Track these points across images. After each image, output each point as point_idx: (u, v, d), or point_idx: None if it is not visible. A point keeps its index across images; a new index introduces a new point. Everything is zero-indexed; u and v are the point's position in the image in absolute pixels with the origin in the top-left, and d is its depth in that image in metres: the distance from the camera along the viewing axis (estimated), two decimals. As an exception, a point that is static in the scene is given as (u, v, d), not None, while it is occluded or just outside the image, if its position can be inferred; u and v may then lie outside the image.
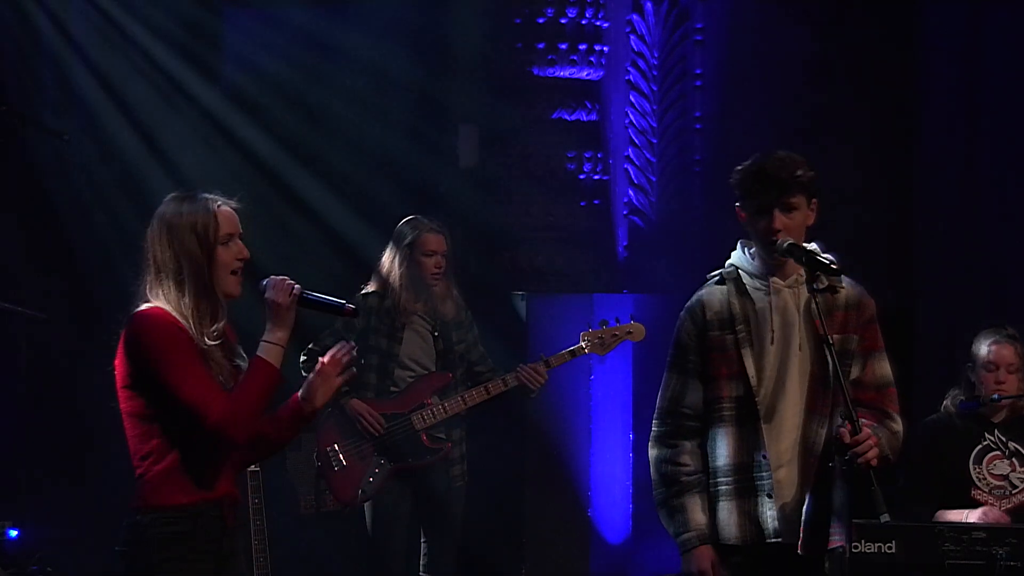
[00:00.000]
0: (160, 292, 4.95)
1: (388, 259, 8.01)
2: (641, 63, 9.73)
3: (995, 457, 7.50)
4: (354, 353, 5.16)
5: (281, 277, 5.00)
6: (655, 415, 5.64)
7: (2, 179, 9.22)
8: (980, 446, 7.53)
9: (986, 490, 7.42)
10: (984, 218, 9.64)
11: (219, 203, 5.02)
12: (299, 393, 5.08)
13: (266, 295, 5.00)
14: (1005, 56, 9.70)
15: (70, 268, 8.86)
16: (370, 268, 8.14)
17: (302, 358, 7.66)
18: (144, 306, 4.93)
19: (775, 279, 5.49)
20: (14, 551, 8.17)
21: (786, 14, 9.43)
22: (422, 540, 8.14)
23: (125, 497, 4.98)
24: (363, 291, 8.03)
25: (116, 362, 4.95)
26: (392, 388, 7.96)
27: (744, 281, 5.58)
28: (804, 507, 5.50)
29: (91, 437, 8.31)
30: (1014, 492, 7.39)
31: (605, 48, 9.64)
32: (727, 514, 5.51)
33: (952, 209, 9.64)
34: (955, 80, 9.94)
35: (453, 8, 9.71)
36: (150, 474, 4.91)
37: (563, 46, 9.48)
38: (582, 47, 9.46)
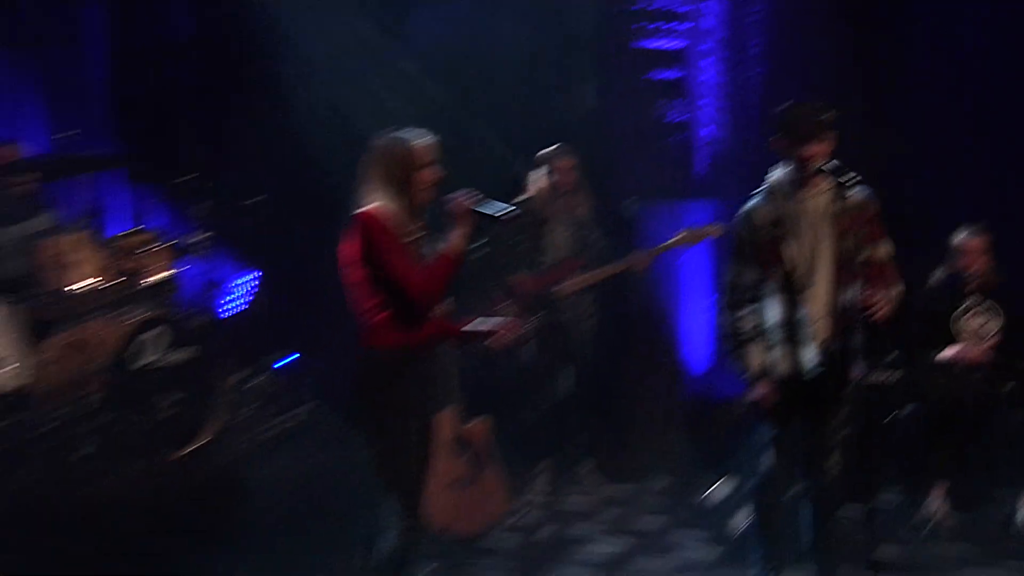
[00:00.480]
0: (377, 199, 5.23)
1: (535, 177, 8.18)
2: (713, 36, 9.76)
3: (974, 314, 7.64)
4: (477, 198, 5.28)
5: (461, 193, 5.29)
6: (723, 291, 5.85)
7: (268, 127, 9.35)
8: (962, 307, 7.66)
9: (965, 336, 7.59)
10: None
11: (420, 138, 5.29)
12: (442, 248, 5.25)
13: (450, 206, 5.26)
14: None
15: (317, 179, 8.92)
16: (521, 187, 8.27)
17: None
18: (366, 208, 5.21)
19: (805, 190, 5.67)
20: (291, 374, 8.52)
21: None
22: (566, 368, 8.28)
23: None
24: (518, 200, 8.08)
25: (343, 246, 5.24)
26: (541, 268, 8.12)
27: (781, 193, 5.73)
28: (833, 349, 5.66)
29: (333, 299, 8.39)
30: (986, 340, 7.57)
31: (687, 25, 9.71)
32: (778, 357, 5.69)
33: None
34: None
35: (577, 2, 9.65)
36: (372, 323, 5.25)
37: (655, 25, 9.58)
38: (670, 25, 9.58)
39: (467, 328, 5.52)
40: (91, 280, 7.37)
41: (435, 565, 6.33)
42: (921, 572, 6.70)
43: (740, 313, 5.76)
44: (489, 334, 5.52)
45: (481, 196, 5.31)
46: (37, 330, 7.40)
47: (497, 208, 5.30)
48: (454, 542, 6.81)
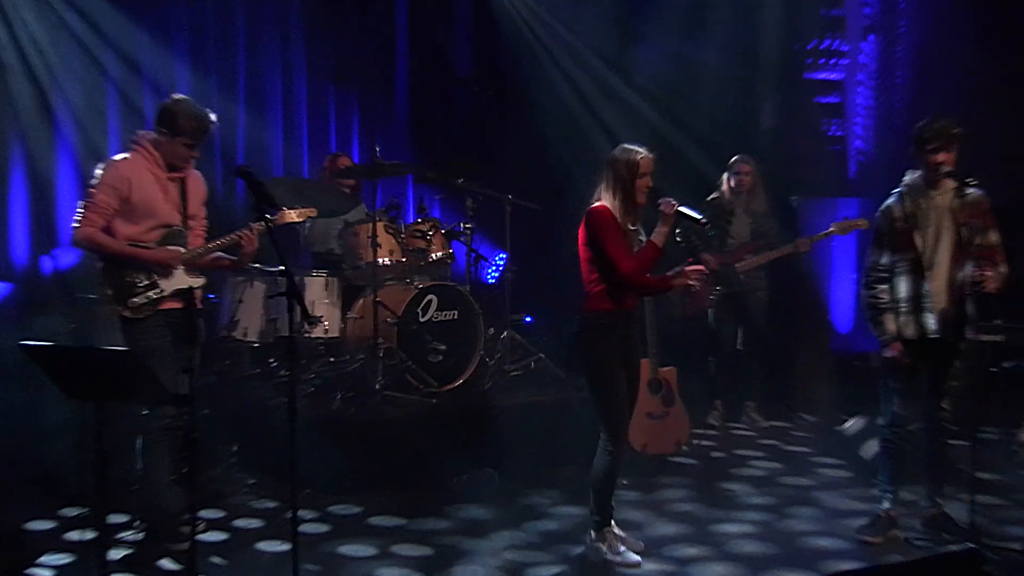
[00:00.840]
0: (605, 197, 5.29)
1: (723, 179, 8.13)
2: (866, 70, 9.46)
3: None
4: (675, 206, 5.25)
5: (668, 198, 5.28)
6: (865, 271, 5.80)
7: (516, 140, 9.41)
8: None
9: None
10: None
11: (643, 153, 5.30)
12: (651, 238, 5.27)
13: (660, 207, 5.26)
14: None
15: (554, 182, 8.93)
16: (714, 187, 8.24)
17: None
18: (596, 204, 5.29)
19: (933, 191, 5.60)
20: (525, 332, 8.48)
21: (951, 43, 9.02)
22: (740, 328, 8.24)
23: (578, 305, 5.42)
24: (709, 198, 8.12)
25: (579, 231, 5.32)
26: (726, 249, 8.05)
27: (914, 192, 5.65)
28: (949, 316, 5.57)
29: (557, 276, 8.39)
30: None
31: (845, 61, 9.44)
32: (907, 323, 5.62)
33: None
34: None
35: (763, 41, 9.37)
36: (591, 292, 5.32)
37: (822, 60, 9.35)
38: (833, 61, 9.32)
39: (670, 274, 5.42)
40: (389, 256, 7.49)
41: (626, 481, 6.36)
42: (1012, 493, 6.59)
43: (878, 288, 5.71)
44: (685, 278, 5.40)
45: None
46: (347, 294, 7.65)
47: (693, 211, 5.32)
48: (648, 459, 6.87)
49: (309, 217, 6.49)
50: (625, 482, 6.31)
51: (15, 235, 8.06)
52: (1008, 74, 8.79)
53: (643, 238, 5.37)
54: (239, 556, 5.58)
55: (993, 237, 5.60)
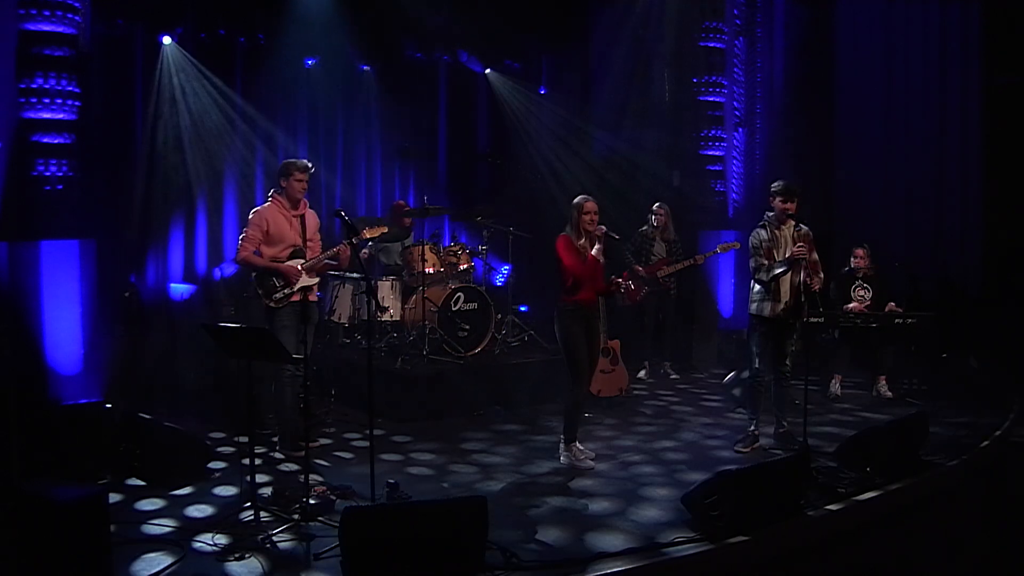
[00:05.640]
0: (568, 229, 5.24)
1: (649, 217, 8.01)
2: (737, 149, 9.02)
3: (859, 288, 7.29)
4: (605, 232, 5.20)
5: (600, 226, 5.23)
6: (752, 269, 5.66)
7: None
8: (854, 284, 7.33)
9: (856, 300, 7.25)
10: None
11: (586, 199, 5.25)
12: (591, 253, 5.20)
13: (596, 232, 5.22)
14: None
15: (539, 220, 8.45)
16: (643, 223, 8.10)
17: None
18: (561, 234, 5.24)
19: (782, 226, 5.62)
20: (523, 317, 8.34)
21: (788, 134, 8.94)
22: (660, 314, 8.03)
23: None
24: (640, 229, 7.99)
25: (555, 252, 5.24)
26: (650, 263, 7.91)
27: (772, 224, 5.65)
28: (792, 303, 5.57)
29: (542, 280, 8.21)
30: (866, 303, 7.17)
31: (724, 144, 8.92)
32: (767, 306, 5.60)
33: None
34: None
35: (674, 132, 8.99)
36: (563, 290, 5.23)
37: (710, 143, 8.86)
38: (716, 144, 8.90)
39: (612, 285, 5.40)
40: (432, 268, 7.40)
41: (588, 414, 6.33)
42: (826, 418, 6.57)
43: (754, 282, 5.68)
44: (624, 290, 5.46)
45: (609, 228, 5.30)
46: (405, 292, 7.59)
47: (612, 233, 5.27)
48: (601, 399, 6.80)
49: (381, 235, 6.38)
50: (588, 415, 6.25)
51: (198, 255, 8.16)
52: (819, 158, 8.93)
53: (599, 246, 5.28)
54: (332, 459, 5.56)
55: (815, 256, 5.61)
